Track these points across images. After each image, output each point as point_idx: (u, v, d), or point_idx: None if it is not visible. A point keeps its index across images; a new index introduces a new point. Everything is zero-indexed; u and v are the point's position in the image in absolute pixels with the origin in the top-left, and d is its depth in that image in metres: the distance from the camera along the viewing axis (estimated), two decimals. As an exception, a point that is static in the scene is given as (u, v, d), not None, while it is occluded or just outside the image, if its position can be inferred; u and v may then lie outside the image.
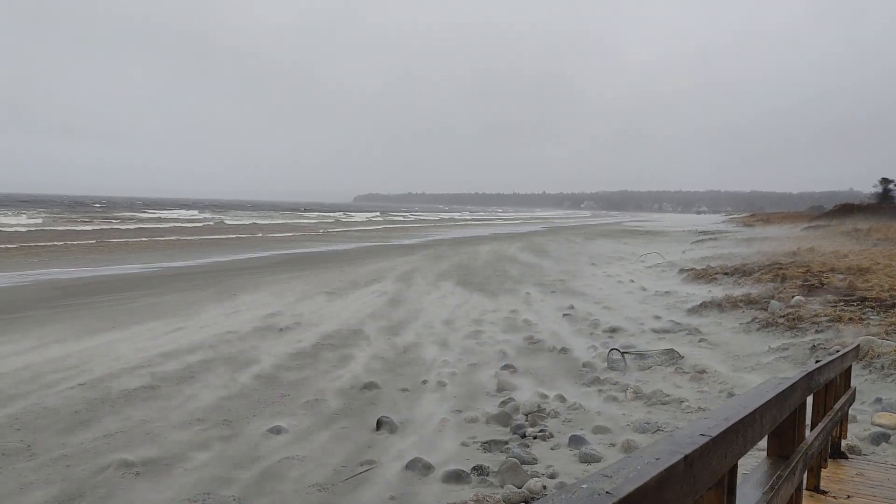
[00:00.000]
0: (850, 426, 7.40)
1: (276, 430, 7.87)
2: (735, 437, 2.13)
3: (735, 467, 2.25)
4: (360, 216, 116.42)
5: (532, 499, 6.07)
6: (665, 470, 1.54)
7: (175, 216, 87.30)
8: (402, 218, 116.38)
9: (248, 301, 16.87)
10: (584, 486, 1.42)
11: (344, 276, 22.93)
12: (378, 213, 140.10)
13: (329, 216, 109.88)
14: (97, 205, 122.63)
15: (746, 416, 2.27)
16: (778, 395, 2.82)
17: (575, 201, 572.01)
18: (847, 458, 6.13)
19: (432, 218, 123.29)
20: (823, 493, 5.02)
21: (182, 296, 17.68)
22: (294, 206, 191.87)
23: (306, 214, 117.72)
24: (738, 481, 2.81)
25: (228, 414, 8.49)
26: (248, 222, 76.58)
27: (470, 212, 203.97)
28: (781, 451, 3.52)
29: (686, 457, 1.67)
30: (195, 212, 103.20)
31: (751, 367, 10.82)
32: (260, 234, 52.80)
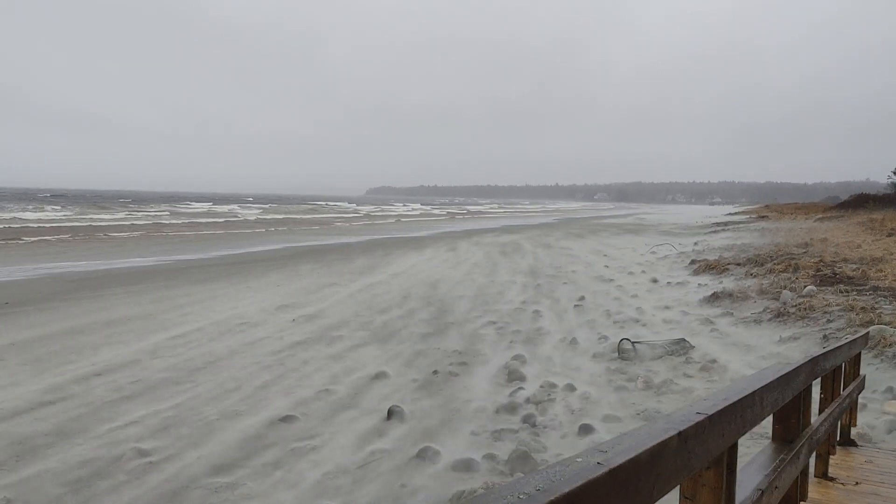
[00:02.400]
0: (860, 414, 7.40)
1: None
2: (733, 417, 2.16)
3: (735, 447, 2.28)
4: (400, 209, 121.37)
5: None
6: (658, 444, 1.58)
7: (226, 210, 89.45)
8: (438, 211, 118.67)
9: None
10: (579, 459, 1.46)
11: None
12: (426, 206, 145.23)
13: (380, 209, 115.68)
14: (122, 199, 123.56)
15: (745, 397, 2.31)
16: (780, 377, 2.85)
17: (588, 193, 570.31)
18: (857, 445, 6.13)
19: (475, 209, 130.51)
20: (832, 479, 5.04)
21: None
22: (315, 199, 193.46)
23: (349, 207, 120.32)
24: (742, 465, 2.84)
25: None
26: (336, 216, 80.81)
27: (498, 205, 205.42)
28: (786, 435, 3.55)
29: (680, 433, 1.70)
30: (235, 206, 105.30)
31: (761, 356, 10.80)
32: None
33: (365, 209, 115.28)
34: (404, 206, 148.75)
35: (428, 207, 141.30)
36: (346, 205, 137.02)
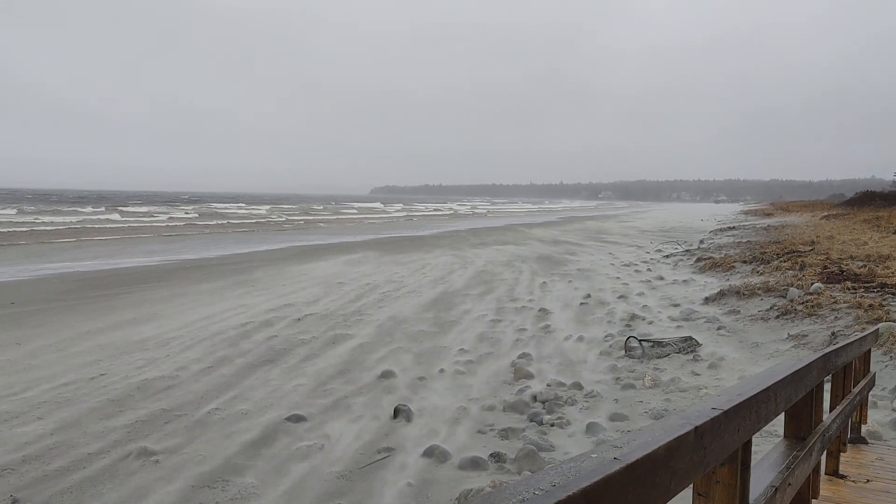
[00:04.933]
0: (870, 412, 7.35)
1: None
2: (748, 413, 2.13)
3: (749, 443, 2.25)
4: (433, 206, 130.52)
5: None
6: (675, 439, 1.55)
7: (264, 210, 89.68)
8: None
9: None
10: (594, 455, 1.43)
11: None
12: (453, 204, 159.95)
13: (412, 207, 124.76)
14: (137, 201, 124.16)
15: (760, 393, 2.28)
16: (793, 374, 2.82)
17: (592, 191, 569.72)
18: (867, 443, 6.09)
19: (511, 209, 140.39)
20: (843, 477, 5.00)
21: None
22: (333, 199, 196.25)
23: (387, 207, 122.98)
24: (755, 462, 2.81)
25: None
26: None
27: (534, 203, 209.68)
28: (798, 432, 3.51)
29: (696, 428, 1.67)
30: (269, 206, 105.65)
31: (769, 354, 10.75)
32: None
33: (391, 208, 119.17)
34: (430, 204, 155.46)
35: (455, 205, 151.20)
36: (379, 205, 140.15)
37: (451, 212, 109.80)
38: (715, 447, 1.82)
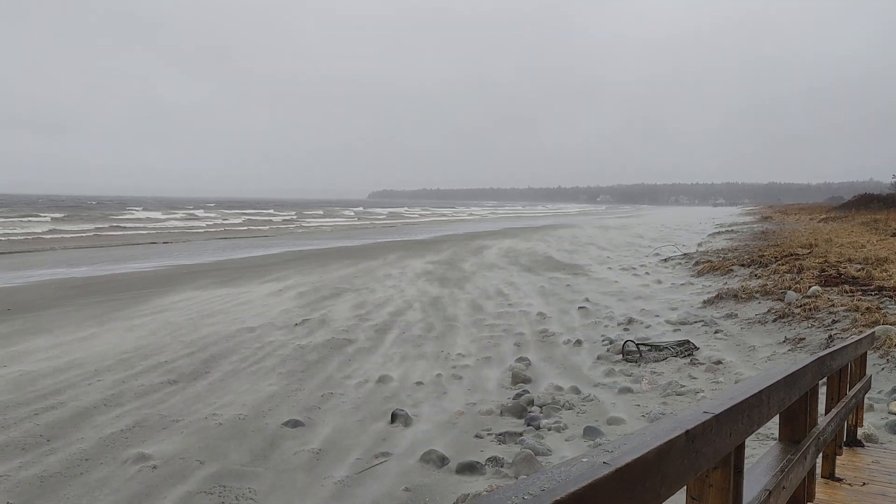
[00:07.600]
0: (866, 415, 7.36)
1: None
2: (740, 417, 2.14)
3: (742, 447, 2.26)
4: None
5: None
6: (665, 443, 1.56)
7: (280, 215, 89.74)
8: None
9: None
10: (585, 459, 1.44)
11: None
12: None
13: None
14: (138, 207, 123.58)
15: (752, 397, 2.29)
16: (786, 377, 2.83)
17: (591, 195, 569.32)
18: (863, 446, 6.09)
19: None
20: (839, 480, 5.01)
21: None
22: (357, 204, 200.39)
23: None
24: (748, 465, 2.82)
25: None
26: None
27: (549, 208, 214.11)
28: (793, 435, 3.52)
29: (687, 432, 1.68)
30: (293, 213, 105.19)
31: (766, 357, 10.76)
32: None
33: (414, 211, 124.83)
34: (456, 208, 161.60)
35: (475, 209, 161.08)
36: (405, 209, 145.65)
37: (477, 216, 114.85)
38: (707, 451, 1.83)
